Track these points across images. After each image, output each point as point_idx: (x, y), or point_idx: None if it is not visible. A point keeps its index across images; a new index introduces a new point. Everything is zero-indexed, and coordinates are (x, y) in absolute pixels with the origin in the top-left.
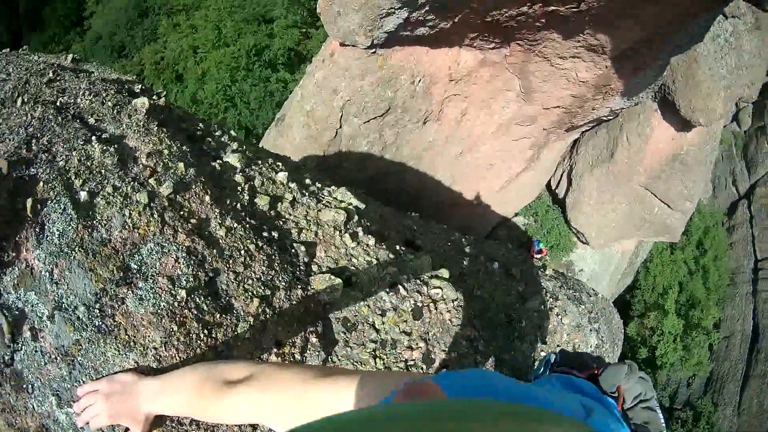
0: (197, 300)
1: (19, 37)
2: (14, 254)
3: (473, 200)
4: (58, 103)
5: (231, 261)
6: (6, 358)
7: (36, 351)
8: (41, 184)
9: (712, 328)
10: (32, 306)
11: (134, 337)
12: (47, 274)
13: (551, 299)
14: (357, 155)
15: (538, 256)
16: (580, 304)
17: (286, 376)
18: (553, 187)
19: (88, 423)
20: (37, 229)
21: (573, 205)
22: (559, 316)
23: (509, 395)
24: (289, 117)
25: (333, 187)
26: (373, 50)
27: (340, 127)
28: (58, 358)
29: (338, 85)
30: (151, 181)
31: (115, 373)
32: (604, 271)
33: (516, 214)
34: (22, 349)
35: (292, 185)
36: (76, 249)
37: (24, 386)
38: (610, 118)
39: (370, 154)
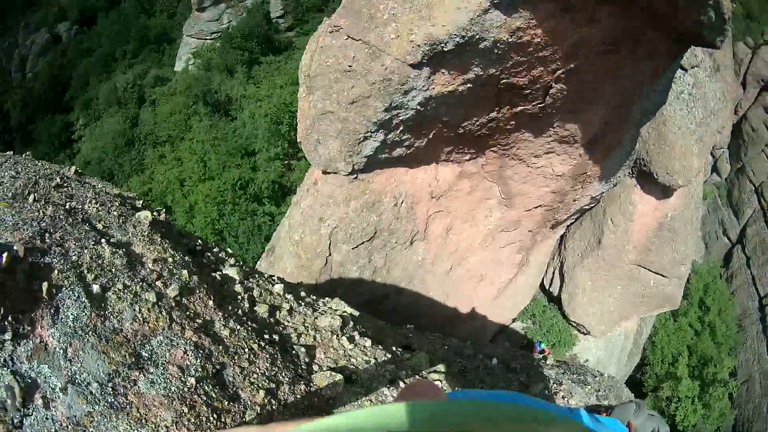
0: (206, 388)
1: (12, 150)
2: (29, 328)
3: (469, 313)
4: (67, 207)
5: (236, 357)
6: (15, 421)
7: (47, 419)
8: (56, 272)
9: (728, 378)
10: (45, 377)
11: (146, 415)
12: (61, 351)
13: (555, 384)
14: (349, 281)
15: (541, 356)
16: (586, 385)
17: (290, 428)
18: (547, 287)
19: None
20: (52, 311)
21: (569, 299)
22: (565, 398)
23: (506, 396)
24: (278, 248)
25: (327, 298)
26: (355, 176)
27: (330, 254)
28: (70, 427)
29: (324, 213)
30: (158, 283)
31: None
32: (610, 356)
33: (514, 320)
34: (32, 414)
35: (289, 296)
36: (90, 333)
37: None
38: (592, 205)
39: (361, 279)
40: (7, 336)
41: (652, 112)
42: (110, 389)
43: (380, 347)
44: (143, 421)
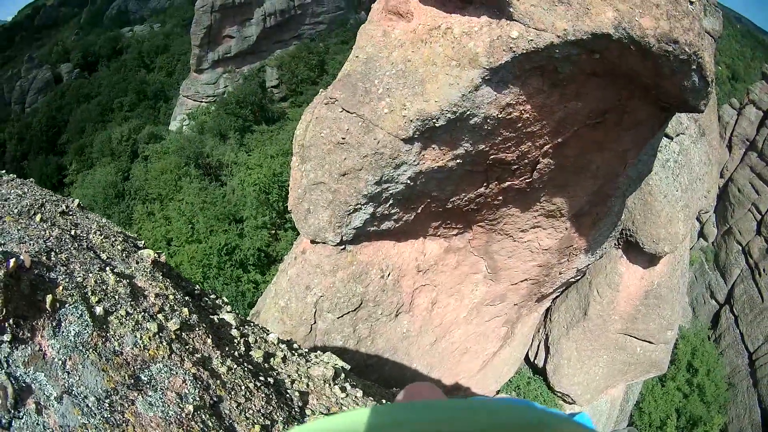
0: (203, 416)
1: None
2: (29, 335)
3: (453, 385)
4: (72, 233)
5: (233, 393)
6: (4, 422)
7: (38, 424)
8: (60, 288)
9: None
10: (40, 385)
11: None
12: (60, 362)
13: None
14: (333, 350)
15: None
16: None
17: None
18: (532, 359)
19: None
20: (54, 323)
21: (554, 370)
22: None
23: (515, 401)
24: (264, 313)
25: (319, 351)
26: (343, 246)
27: (315, 322)
28: None
29: (311, 282)
30: (160, 316)
31: None
32: (596, 423)
33: (498, 392)
34: (23, 418)
35: (282, 346)
36: (91, 350)
37: None
38: (578, 278)
39: (345, 348)
40: (6, 338)
41: (637, 181)
42: (107, 405)
43: (371, 398)
44: None
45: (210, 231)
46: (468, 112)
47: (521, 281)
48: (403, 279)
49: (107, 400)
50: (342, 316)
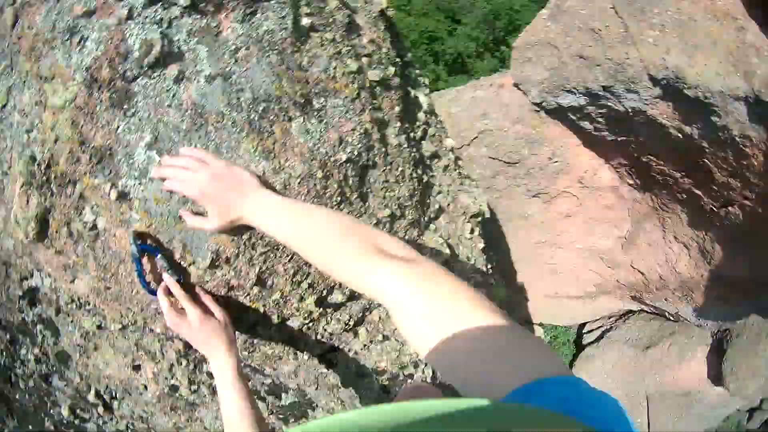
0: (348, 171)
1: None
2: (212, 9)
3: (516, 288)
4: None
5: (389, 168)
6: (130, 74)
7: (168, 90)
8: None
9: None
10: (196, 57)
11: (278, 152)
12: (233, 46)
13: None
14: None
15: None
16: None
17: (457, 288)
18: (584, 331)
19: (165, 180)
20: (248, 11)
21: (587, 357)
22: None
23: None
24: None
25: (476, 183)
26: (538, 109)
27: (468, 145)
28: (189, 110)
29: (490, 113)
30: (364, 59)
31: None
32: None
33: (540, 324)
34: (154, 79)
35: (451, 155)
36: (274, 52)
37: (124, 106)
38: (671, 319)
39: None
40: (183, 2)
41: None
42: (261, 109)
43: (484, 257)
44: (271, 155)
45: (423, 13)
46: (715, 110)
47: (639, 270)
48: (564, 176)
49: (263, 104)
50: (493, 159)
